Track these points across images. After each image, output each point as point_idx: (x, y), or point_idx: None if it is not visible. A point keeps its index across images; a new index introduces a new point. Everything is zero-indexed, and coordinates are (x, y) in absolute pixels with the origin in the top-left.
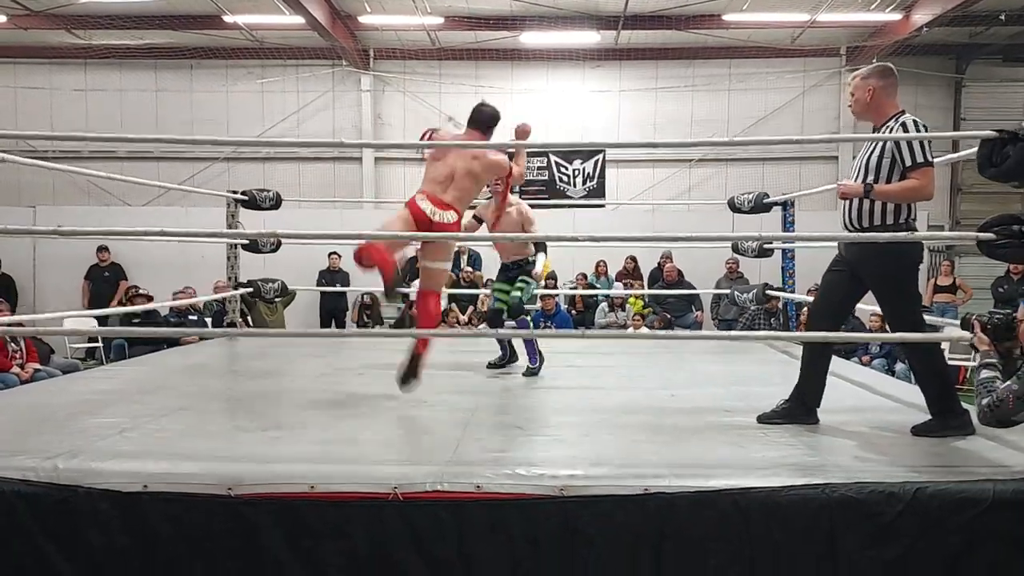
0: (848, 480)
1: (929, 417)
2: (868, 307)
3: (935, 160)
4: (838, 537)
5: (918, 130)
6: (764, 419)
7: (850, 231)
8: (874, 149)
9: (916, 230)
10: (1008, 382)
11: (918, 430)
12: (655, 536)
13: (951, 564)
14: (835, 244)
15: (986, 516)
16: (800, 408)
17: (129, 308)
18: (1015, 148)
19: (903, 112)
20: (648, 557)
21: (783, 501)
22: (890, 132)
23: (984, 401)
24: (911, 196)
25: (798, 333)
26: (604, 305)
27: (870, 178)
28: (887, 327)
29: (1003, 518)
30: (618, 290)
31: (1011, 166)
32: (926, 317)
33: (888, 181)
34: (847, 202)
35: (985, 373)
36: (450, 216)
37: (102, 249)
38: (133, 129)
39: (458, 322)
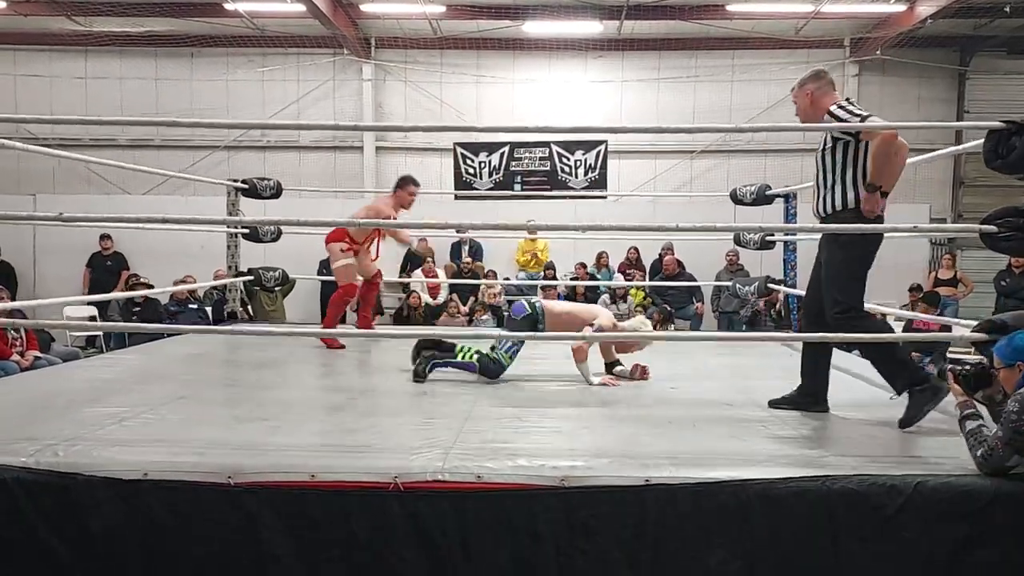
0: (849, 473)
1: (902, 407)
2: (869, 305)
3: (938, 152)
4: (839, 530)
5: (845, 108)
6: (774, 404)
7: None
8: (824, 144)
9: (871, 217)
10: (995, 429)
11: (903, 422)
12: (655, 527)
13: (952, 558)
14: None
15: (988, 510)
16: (810, 399)
17: (128, 293)
18: (1022, 140)
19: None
20: (648, 547)
21: (783, 493)
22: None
23: (978, 453)
24: (888, 148)
25: (802, 335)
26: (605, 297)
27: (836, 172)
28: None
29: (1005, 512)
30: (618, 281)
31: (1017, 158)
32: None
33: (845, 158)
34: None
35: (970, 424)
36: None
37: (105, 237)
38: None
39: (459, 312)
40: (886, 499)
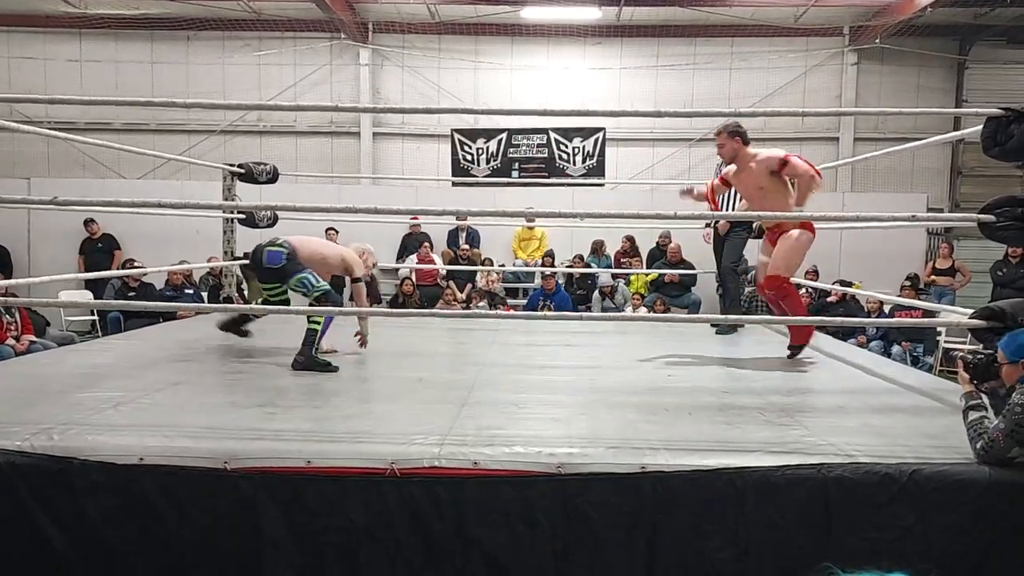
0: (844, 461)
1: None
2: (865, 292)
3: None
4: (833, 517)
5: None
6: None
7: None
8: None
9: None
10: (996, 421)
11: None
12: (651, 514)
13: (947, 546)
14: (831, 224)
15: (983, 499)
16: None
17: (122, 272)
18: (1020, 127)
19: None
20: (644, 535)
21: (779, 481)
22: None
23: (979, 445)
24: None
25: (794, 317)
26: (597, 292)
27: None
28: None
29: (1000, 501)
30: (608, 280)
31: (1015, 146)
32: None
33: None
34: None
35: (973, 415)
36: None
37: (90, 222)
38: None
39: (455, 299)
40: (881, 487)
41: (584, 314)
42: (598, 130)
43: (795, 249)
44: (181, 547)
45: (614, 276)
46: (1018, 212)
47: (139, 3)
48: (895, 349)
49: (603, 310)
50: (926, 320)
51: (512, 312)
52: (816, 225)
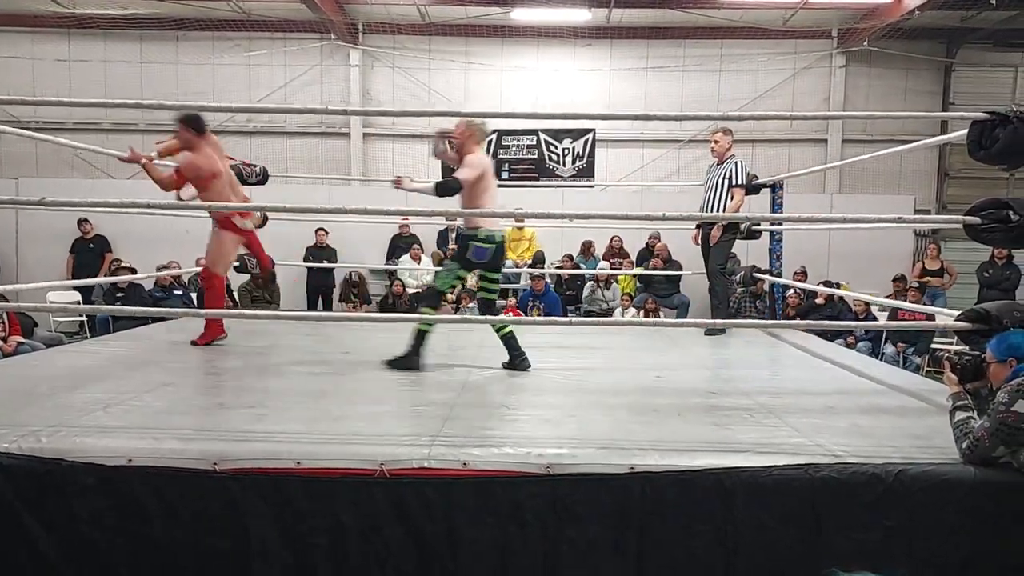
0: (831, 461)
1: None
2: (853, 293)
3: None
4: (821, 517)
5: (743, 169)
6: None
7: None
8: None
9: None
10: (981, 420)
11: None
12: (640, 514)
13: (934, 546)
14: (821, 226)
15: (969, 498)
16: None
17: (112, 279)
18: (1005, 131)
19: (734, 155)
20: (633, 534)
21: (767, 481)
22: (731, 167)
23: (964, 445)
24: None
25: (786, 321)
26: (591, 283)
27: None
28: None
29: (986, 500)
30: (605, 270)
31: (1000, 148)
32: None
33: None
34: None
35: (959, 416)
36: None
37: (84, 221)
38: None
39: (445, 300)
40: (868, 487)
41: (573, 319)
42: (588, 131)
43: (215, 244)
44: (170, 549)
45: (609, 278)
46: (1003, 214)
47: (128, 3)
48: (889, 349)
49: (594, 300)
50: (916, 323)
51: (502, 318)
52: (807, 226)
